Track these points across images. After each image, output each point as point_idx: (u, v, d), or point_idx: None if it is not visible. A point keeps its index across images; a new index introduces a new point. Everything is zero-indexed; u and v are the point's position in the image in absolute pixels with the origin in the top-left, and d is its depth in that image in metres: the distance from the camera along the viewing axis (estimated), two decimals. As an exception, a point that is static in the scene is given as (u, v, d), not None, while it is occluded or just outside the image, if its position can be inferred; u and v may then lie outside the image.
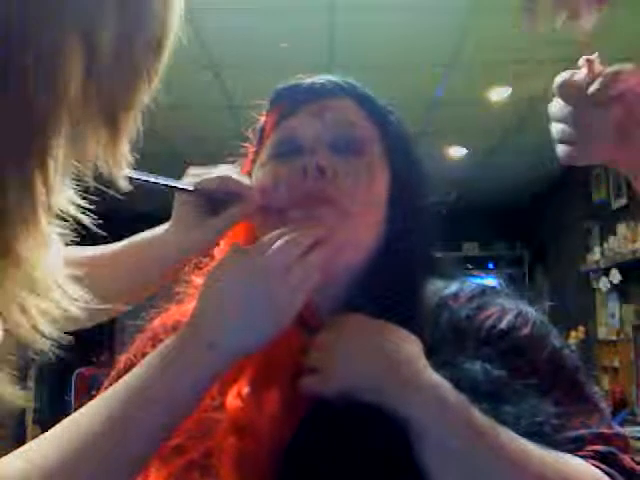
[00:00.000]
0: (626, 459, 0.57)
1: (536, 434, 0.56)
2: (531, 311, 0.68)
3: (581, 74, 0.66)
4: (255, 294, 0.57)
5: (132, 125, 0.37)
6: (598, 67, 0.65)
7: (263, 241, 0.61)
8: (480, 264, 6.47)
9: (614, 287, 4.33)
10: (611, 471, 0.55)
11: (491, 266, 6.55)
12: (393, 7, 2.78)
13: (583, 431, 0.58)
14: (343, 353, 0.59)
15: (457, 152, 4.79)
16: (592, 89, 0.64)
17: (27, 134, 0.29)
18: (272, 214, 0.67)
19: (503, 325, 0.64)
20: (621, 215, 4.14)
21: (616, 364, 4.35)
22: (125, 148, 0.37)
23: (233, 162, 0.78)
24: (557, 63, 3.50)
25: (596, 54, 0.66)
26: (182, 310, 0.72)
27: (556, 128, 0.68)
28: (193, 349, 0.55)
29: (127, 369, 0.68)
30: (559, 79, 0.67)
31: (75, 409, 0.51)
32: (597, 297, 4.68)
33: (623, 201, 4.09)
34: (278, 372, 0.63)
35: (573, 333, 4.58)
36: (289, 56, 3.20)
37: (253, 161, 0.74)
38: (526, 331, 0.64)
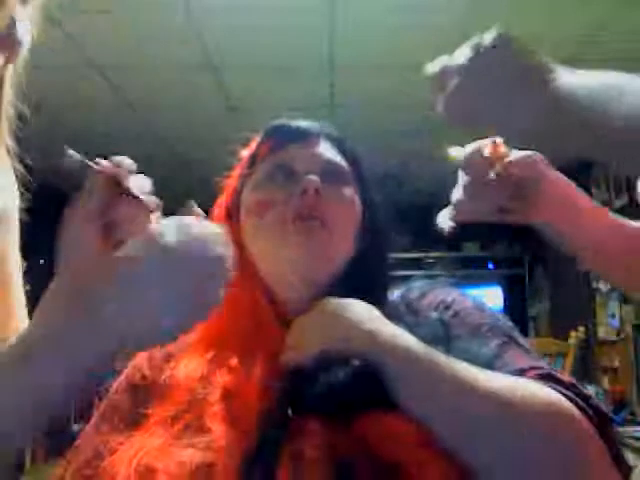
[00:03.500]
0: (563, 377, 0.65)
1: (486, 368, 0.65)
2: (474, 295, 0.82)
3: (484, 152, 0.82)
4: (169, 290, 0.53)
5: None
6: (501, 149, 0.81)
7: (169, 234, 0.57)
8: (480, 264, 6.48)
9: (614, 287, 4.33)
10: (554, 385, 0.63)
11: (491, 266, 6.55)
12: (393, 7, 2.78)
13: (523, 364, 0.68)
14: (312, 324, 0.71)
15: (457, 152, 4.79)
16: (493, 172, 0.80)
17: None
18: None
19: (449, 298, 0.79)
20: (622, 214, 4.11)
21: (616, 364, 4.36)
22: None
23: (232, 163, 0.86)
24: (556, 63, 3.50)
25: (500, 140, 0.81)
26: None
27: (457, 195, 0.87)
28: (96, 339, 0.52)
29: (128, 376, 0.79)
30: (467, 153, 0.84)
31: (76, 405, 0.52)
32: (597, 297, 4.68)
33: (624, 200, 4.09)
34: (260, 357, 0.72)
35: (573, 333, 4.57)
36: (289, 57, 3.20)
37: (241, 182, 0.84)
38: (468, 302, 0.79)
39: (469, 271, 6.30)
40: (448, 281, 0.85)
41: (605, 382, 4.45)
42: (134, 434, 0.68)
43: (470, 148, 0.84)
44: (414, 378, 0.63)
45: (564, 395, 0.62)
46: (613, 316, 4.43)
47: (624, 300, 4.27)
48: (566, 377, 0.66)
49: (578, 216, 0.85)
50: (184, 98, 3.75)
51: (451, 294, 0.80)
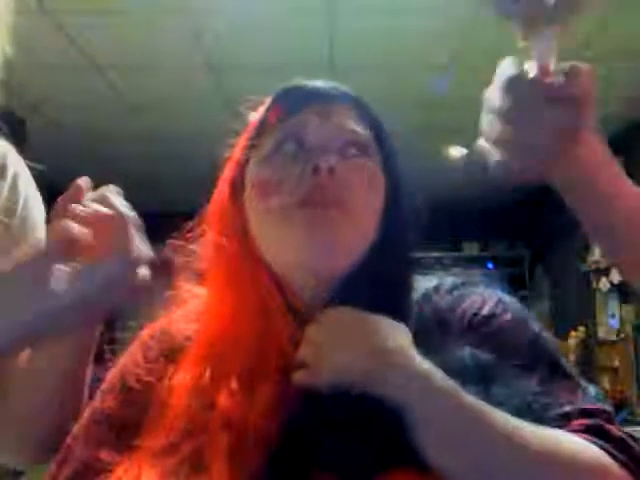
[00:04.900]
0: (612, 429, 0.59)
1: (526, 412, 0.58)
2: (510, 299, 0.70)
3: (532, 68, 0.64)
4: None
5: None
6: (551, 66, 0.63)
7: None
8: (480, 264, 6.48)
9: (614, 287, 4.33)
10: (600, 442, 0.57)
11: (491, 266, 6.55)
12: (393, 8, 2.78)
13: (569, 407, 0.60)
14: (332, 345, 0.61)
15: (457, 152, 4.79)
16: (552, 85, 0.61)
17: None
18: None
19: (485, 312, 0.67)
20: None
21: (616, 364, 4.36)
22: None
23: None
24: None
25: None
26: (169, 317, 0.74)
27: (494, 124, 0.65)
28: None
29: (121, 378, 0.70)
30: (509, 70, 0.65)
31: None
32: (597, 297, 4.68)
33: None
34: (268, 366, 0.64)
35: (573, 333, 4.58)
36: (289, 58, 3.20)
37: (246, 155, 0.73)
38: (507, 317, 0.67)
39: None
40: (481, 280, 0.73)
41: (605, 382, 4.45)
42: (124, 461, 0.61)
43: (508, 69, 0.65)
44: (448, 430, 0.56)
45: (610, 454, 0.57)
46: (613, 316, 4.43)
47: (624, 300, 4.27)
48: (617, 429, 0.60)
49: (614, 182, 0.69)
50: (184, 98, 3.75)
51: (487, 303, 0.68)
